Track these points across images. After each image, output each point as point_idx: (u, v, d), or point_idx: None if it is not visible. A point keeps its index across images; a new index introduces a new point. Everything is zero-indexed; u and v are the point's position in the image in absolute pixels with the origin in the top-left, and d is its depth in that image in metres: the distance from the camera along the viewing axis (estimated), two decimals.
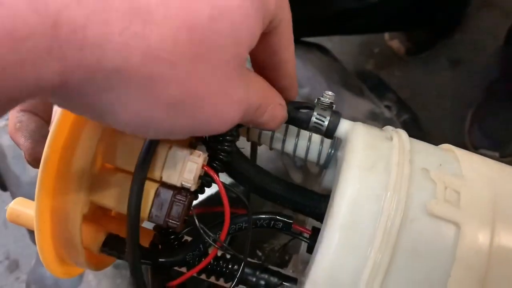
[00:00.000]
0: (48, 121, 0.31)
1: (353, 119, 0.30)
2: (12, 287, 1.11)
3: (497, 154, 1.02)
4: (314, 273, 0.25)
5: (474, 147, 1.05)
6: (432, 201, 0.25)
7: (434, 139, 0.29)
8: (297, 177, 0.62)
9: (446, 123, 1.10)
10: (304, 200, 0.30)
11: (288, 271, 0.32)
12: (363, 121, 0.30)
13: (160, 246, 0.30)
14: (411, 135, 0.29)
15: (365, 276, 0.24)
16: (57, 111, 0.25)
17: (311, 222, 0.36)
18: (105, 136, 0.26)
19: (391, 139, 0.28)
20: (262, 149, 0.36)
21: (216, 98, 0.20)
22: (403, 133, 0.29)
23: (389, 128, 0.30)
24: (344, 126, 0.29)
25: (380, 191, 0.24)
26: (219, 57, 0.19)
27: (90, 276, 0.60)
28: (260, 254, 0.64)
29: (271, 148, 0.34)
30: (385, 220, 0.24)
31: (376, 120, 0.69)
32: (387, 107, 0.85)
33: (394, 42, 1.22)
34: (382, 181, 0.25)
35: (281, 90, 0.27)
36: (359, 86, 0.75)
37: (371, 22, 0.94)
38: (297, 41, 0.25)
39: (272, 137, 0.33)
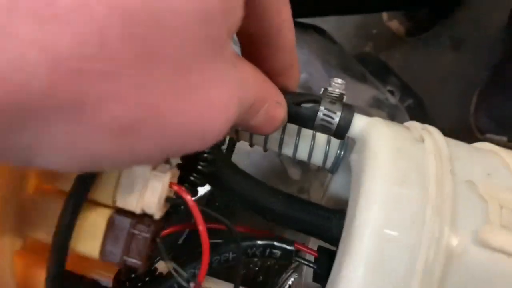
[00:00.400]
0: None
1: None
2: None
3: (505, 139, 0.96)
4: None
5: (480, 132, 0.99)
6: (485, 227, 0.18)
7: (439, 124, 0.23)
8: (295, 174, 0.55)
9: (450, 106, 1.04)
10: (309, 219, 0.24)
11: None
12: (366, 109, 0.23)
13: (127, 284, 0.24)
14: (416, 120, 0.24)
15: None
16: None
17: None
18: None
19: (422, 140, 0.21)
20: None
21: (189, 105, 0.14)
22: (435, 132, 0.22)
23: (415, 125, 0.24)
24: (359, 123, 0.22)
25: (416, 214, 0.18)
26: (181, 48, 0.12)
27: None
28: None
29: (265, 150, 0.28)
30: (425, 255, 0.17)
31: (380, 107, 0.63)
32: (390, 91, 0.79)
33: (393, 22, 1.15)
34: (417, 200, 0.18)
35: (278, 74, 0.20)
36: (360, 71, 0.68)
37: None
38: None
39: (266, 137, 0.26)
